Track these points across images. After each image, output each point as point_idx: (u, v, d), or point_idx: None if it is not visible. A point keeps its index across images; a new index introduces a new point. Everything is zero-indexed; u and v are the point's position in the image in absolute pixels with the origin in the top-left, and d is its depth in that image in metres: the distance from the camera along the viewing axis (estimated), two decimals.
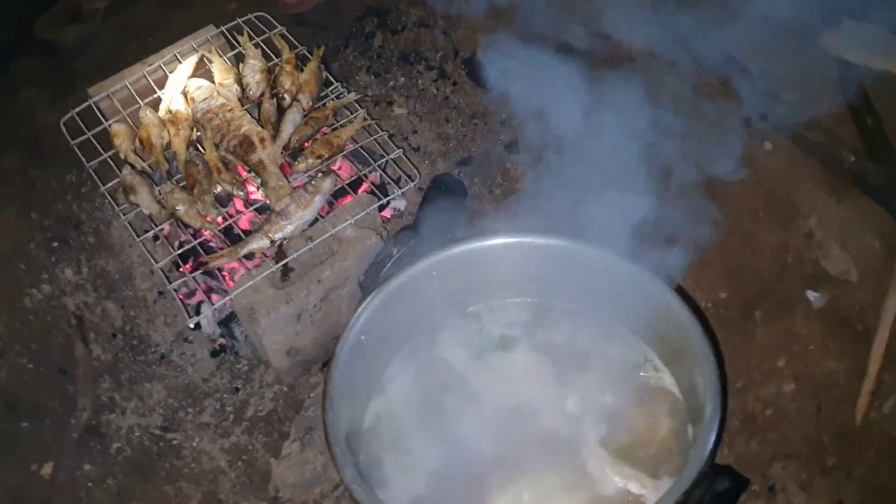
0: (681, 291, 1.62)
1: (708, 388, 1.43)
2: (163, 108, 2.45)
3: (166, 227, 2.34)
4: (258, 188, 2.36)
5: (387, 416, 1.69)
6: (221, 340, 2.46)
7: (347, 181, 2.36)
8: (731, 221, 2.53)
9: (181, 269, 2.34)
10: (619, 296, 1.69)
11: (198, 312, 2.32)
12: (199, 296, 2.38)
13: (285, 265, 2.20)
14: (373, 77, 3.02)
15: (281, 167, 2.33)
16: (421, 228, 1.82)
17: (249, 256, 2.28)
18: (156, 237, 2.42)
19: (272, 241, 2.20)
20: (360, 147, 2.40)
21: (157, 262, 2.22)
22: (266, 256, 2.24)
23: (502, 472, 1.57)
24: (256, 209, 2.35)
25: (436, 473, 1.59)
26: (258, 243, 2.20)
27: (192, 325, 2.18)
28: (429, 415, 1.67)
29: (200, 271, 2.22)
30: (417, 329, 1.78)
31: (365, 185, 2.40)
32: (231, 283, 2.24)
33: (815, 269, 2.42)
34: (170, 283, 2.19)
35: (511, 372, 1.73)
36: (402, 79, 3.00)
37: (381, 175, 2.40)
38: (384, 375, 1.74)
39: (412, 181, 2.32)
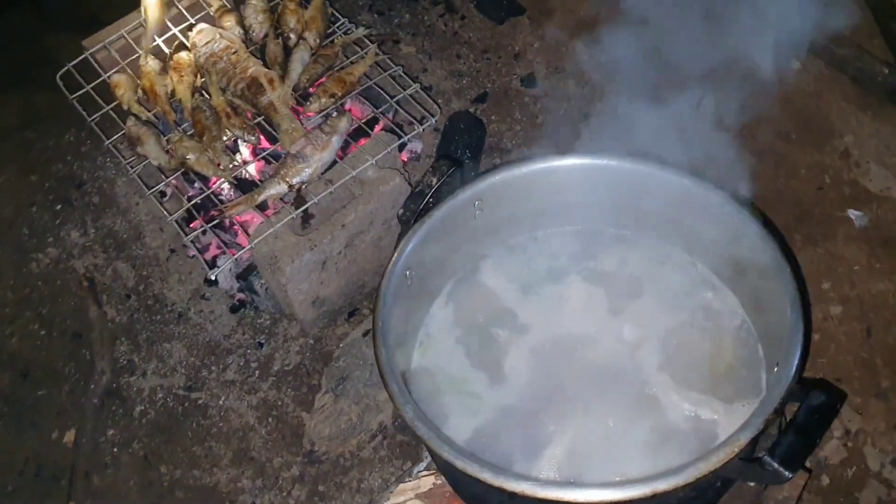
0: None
1: (785, 300, 1.34)
2: (145, 41, 2.32)
3: (174, 182, 2.23)
4: (267, 138, 2.24)
5: (435, 354, 1.59)
6: (240, 296, 2.36)
7: (362, 121, 2.25)
8: (763, 144, 2.44)
9: (192, 225, 2.23)
10: (672, 214, 1.58)
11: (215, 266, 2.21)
12: (214, 250, 2.28)
13: (305, 211, 2.10)
14: (376, 15, 2.88)
15: (292, 111, 2.21)
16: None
17: (264, 207, 2.18)
18: (163, 194, 2.31)
19: (290, 186, 2.09)
20: (375, 84, 2.28)
21: (170, 214, 2.11)
22: (284, 203, 2.13)
23: (562, 406, 1.49)
24: (266, 158, 2.24)
25: (493, 409, 1.50)
26: (275, 189, 2.09)
27: (212, 277, 2.08)
28: (480, 351, 1.58)
29: (216, 221, 2.11)
30: (461, 264, 1.68)
31: (381, 125, 2.28)
32: (245, 238, 2.13)
33: (854, 189, 2.36)
34: (185, 235, 2.09)
35: (562, 304, 1.63)
36: (407, 16, 2.87)
37: (395, 113, 2.28)
38: (429, 312, 1.64)
39: (433, 116, 2.21)
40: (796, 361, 1.26)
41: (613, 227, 1.68)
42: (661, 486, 1.19)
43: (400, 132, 2.19)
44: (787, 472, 1.15)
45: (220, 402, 2.20)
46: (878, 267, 2.22)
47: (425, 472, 1.68)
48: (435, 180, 1.52)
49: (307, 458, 2.07)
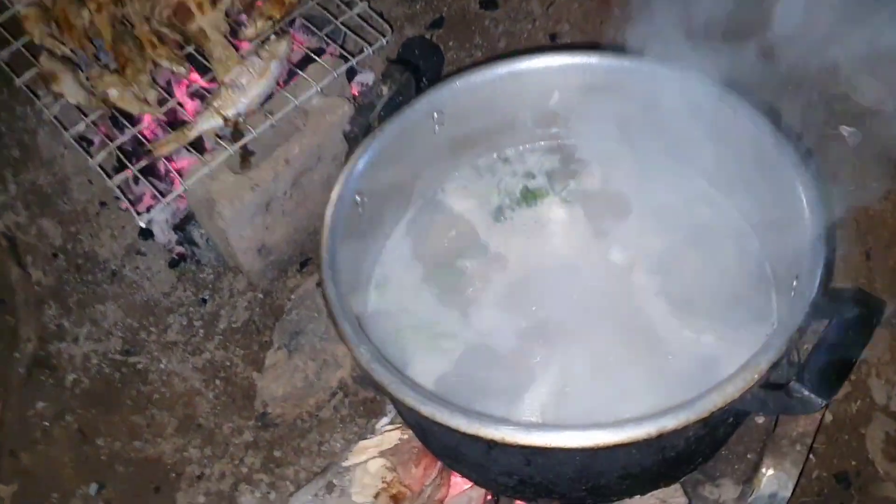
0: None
1: (801, 204, 1.15)
2: None
3: (101, 129, 1.99)
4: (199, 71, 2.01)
5: (395, 293, 1.39)
6: (179, 249, 2.14)
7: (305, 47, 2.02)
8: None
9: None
10: (660, 119, 1.38)
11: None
12: (148, 200, 2.05)
13: (244, 147, 1.87)
14: None
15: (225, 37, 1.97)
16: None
17: (202, 149, 1.95)
18: (90, 142, 2.06)
19: (226, 120, 1.86)
20: (318, 4, 2.05)
21: (92, 157, 1.87)
22: (220, 139, 1.90)
23: (544, 341, 1.29)
24: (200, 93, 2.00)
25: (463, 351, 1.31)
26: (209, 123, 1.87)
27: (142, 224, 1.86)
28: (448, 287, 1.38)
29: (146, 163, 1.88)
30: (421, 189, 1.47)
31: (326, 53, 2.06)
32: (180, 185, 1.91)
33: (845, 104, 2.19)
34: (111, 179, 1.85)
35: (540, 230, 1.44)
36: None
37: (344, 38, 2.06)
38: (386, 246, 1.43)
39: (383, 36, 1.99)
40: (821, 270, 1.08)
41: (594, 139, 1.47)
42: (669, 423, 1.00)
43: (348, 55, 1.97)
44: (819, 400, 0.96)
45: (162, 366, 1.99)
46: (873, 186, 2.05)
47: (389, 427, 1.48)
48: (386, 89, 1.30)
49: (260, 422, 1.88)
